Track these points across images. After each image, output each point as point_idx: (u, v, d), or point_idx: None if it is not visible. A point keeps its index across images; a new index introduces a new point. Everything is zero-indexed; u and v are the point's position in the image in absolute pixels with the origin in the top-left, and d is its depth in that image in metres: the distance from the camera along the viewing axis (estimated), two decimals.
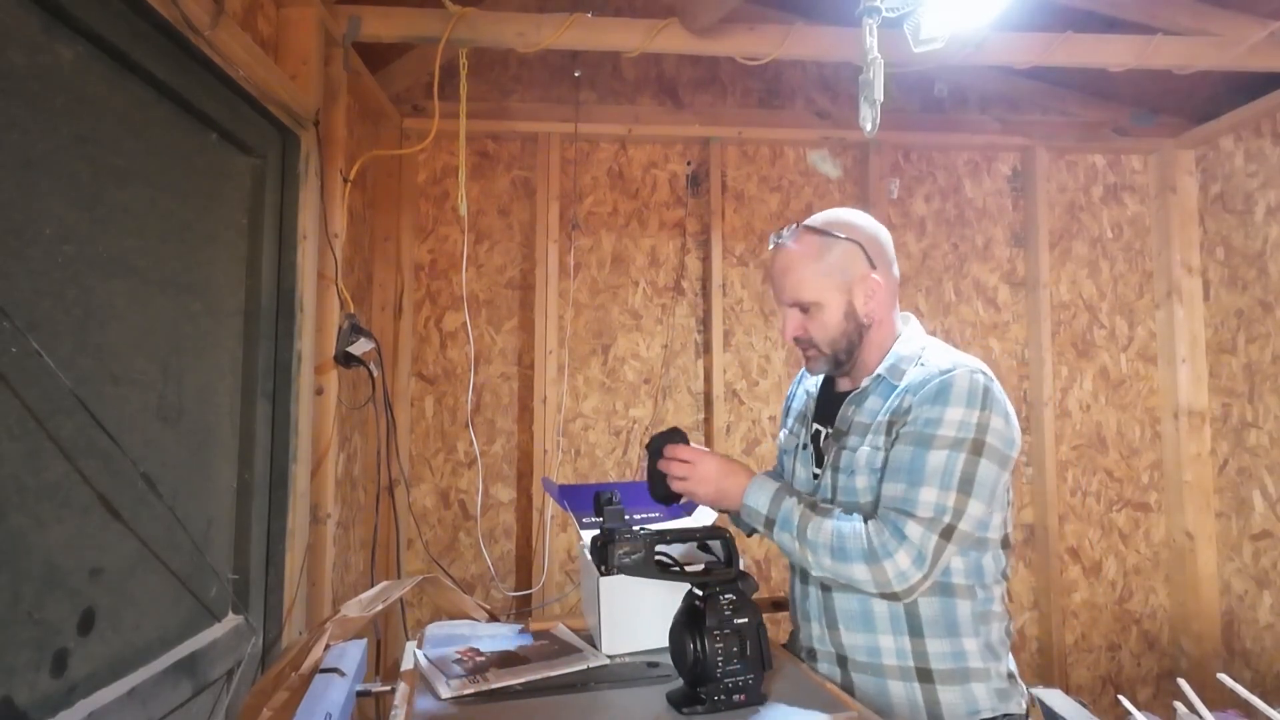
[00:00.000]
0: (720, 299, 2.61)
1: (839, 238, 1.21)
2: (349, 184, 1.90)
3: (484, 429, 2.54)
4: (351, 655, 1.24)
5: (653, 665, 1.17)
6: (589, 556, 1.26)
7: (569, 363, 2.57)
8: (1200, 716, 1.44)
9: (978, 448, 1.07)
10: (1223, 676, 1.58)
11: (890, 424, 1.13)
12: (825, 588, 1.19)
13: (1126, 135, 2.72)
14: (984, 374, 1.12)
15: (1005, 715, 1.13)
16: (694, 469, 1.17)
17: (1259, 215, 2.41)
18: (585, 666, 1.16)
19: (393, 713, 1.04)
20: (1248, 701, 1.41)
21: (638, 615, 1.21)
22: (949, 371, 1.11)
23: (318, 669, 1.17)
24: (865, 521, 1.09)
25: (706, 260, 2.62)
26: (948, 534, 1.05)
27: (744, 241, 2.67)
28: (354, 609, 1.35)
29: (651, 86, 2.67)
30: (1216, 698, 1.75)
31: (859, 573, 1.07)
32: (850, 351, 1.22)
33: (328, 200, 1.82)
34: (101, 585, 1.09)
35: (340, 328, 1.84)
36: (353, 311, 1.89)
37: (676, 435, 1.21)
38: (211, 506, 1.42)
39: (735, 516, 1.30)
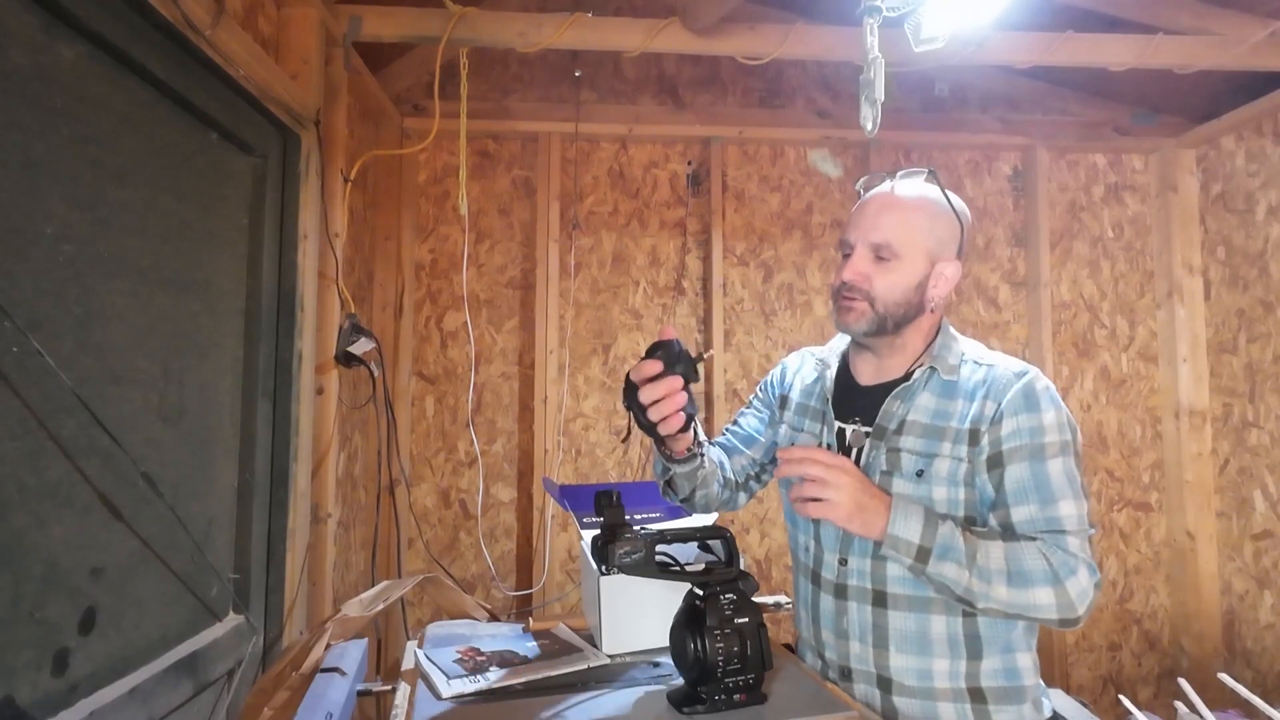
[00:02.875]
0: (721, 299, 2.61)
1: (953, 208, 1.12)
2: (350, 184, 1.90)
3: (484, 428, 2.54)
4: (352, 655, 1.24)
5: (653, 665, 1.17)
6: (590, 556, 1.26)
7: (570, 362, 2.57)
8: (1201, 716, 1.45)
9: (1075, 449, 1.05)
10: (1223, 676, 1.58)
11: (975, 432, 1.05)
12: (879, 604, 1.09)
13: (1127, 135, 2.71)
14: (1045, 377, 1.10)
15: None
16: (835, 474, 0.98)
17: (1260, 215, 2.40)
18: (586, 666, 1.16)
19: (393, 712, 1.04)
20: (1248, 701, 1.41)
21: (639, 615, 1.21)
22: (1024, 375, 1.07)
23: (318, 668, 1.17)
24: (1030, 539, 1.00)
25: (707, 260, 2.62)
26: (1092, 543, 1.02)
27: (745, 241, 2.67)
28: (354, 608, 1.35)
29: (652, 86, 2.67)
30: (1217, 697, 1.75)
31: (1042, 598, 0.96)
32: (899, 325, 1.11)
33: (328, 200, 1.82)
34: (102, 585, 1.09)
35: (341, 327, 1.84)
36: (353, 311, 1.89)
37: (674, 355, 1.01)
38: (212, 506, 1.42)
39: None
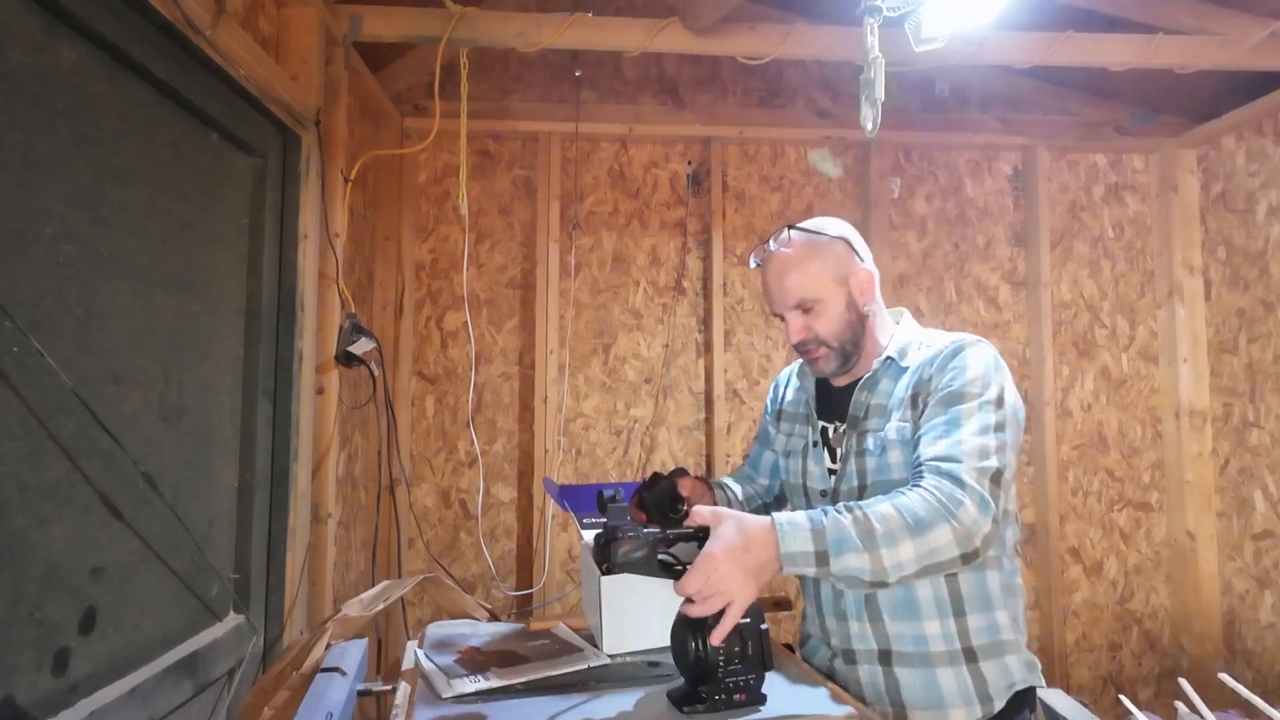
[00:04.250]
0: (721, 298, 2.61)
1: (826, 235, 1.23)
2: (350, 183, 1.90)
3: (485, 428, 2.54)
4: (352, 655, 1.23)
5: (653, 665, 1.17)
6: (590, 555, 1.26)
7: (570, 362, 2.57)
8: (1201, 716, 1.44)
9: (1001, 403, 1.10)
10: (1224, 676, 1.57)
11: (915, 397, 1.15)
12: None
13: (1128, 134, 2.71)
14: (990, 347, 1.17)
15: (1033, 687, 1.15)
16: (706, 579, 0.95)
17: (1260, 215, 2.40)
18: (586, 666, 1.16)
19: (393, 712, 1.04)
20: (1249, 701, 1.41)
21: (640, 615, 1.21)
22: (959, 342, 1.16)
23: (319, 668, 1.17)
24: (917, 487, 1.04)
25: (707, 260, 2.62)
26: (997, 479, 1.04)
27: (745, 241, 2.67)
28: (355, 608, 1.35)
29: (652, 86, 2.67)
30: (1218, 697, 1.74)
31: (942, 537, 0.99)
32: (856, 343, 1.23)
33: (329, 200, 1.82)
34: (103, 584, 1.09)
35: (341, 327, 1.84)
36: (354, 311, 1.89)
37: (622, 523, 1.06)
38: (213, 506, 1.42)
39: None
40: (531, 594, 2.45)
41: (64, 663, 1.01)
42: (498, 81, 2.61)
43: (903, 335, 1.25)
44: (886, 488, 1.11)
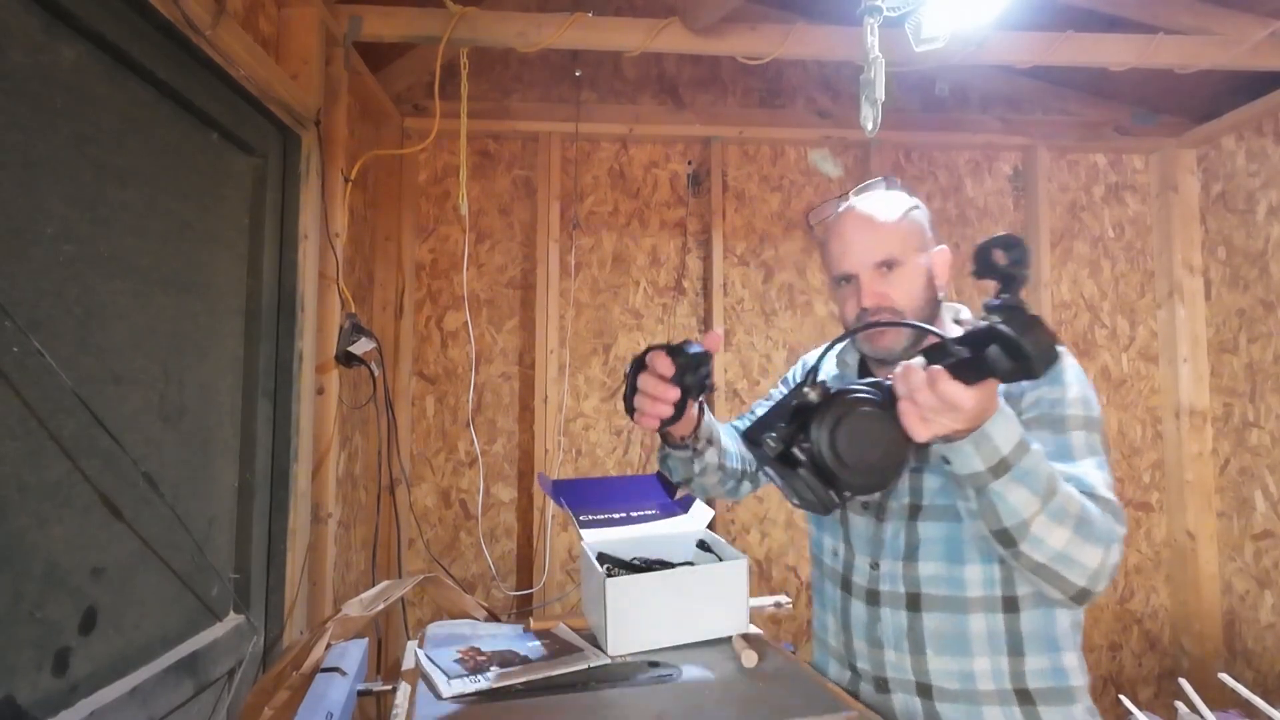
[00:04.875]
0: (721, 298, 2.61)
1: (913, 201, 1.11)
2: (350, 183, 1.90)
3: (485, 428, 2.54)
4: (353, 654, 1.23)
5: (654, 665, 1.17)
6: (590, 556, 1.26)
7: (570, 362, 2.57)
8: (1201, 716, 1.44)
9: (1099, 425, 1.00)
10: (1224, 676, 1.58)
11: None
12: (913, 607, 1.04)
13: (1128, 134, 2.71)
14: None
15: None
16: (976, 400, 0.75)
17: (1260, 215, 2.40)
18: (586, 666, 1.16)
19: (393, 712, 1.04)
20: (1249, 701, 1.41)
21: (643, 615, 1.21)
22: None
23: (319, 668, 1.17)
24: (1093, 497, 0.92)
25: (707, 260, 2.62)
26: (1120, 515, 0.93)
27: (745, 241, 2.67)
28: (355, 608, 1.35)
29: (652, 86, 2.67)
30: (1218, 697, 1.75)
31: (1090, 558, 0.87)
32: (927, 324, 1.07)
33: (329, 200, 1.82)
34: (103, 584, 1.09)
35: (341, 327, 1.85)
36: (354, 311, 1.89)
37: (690, 365, 0.94)
38: (213, 506, 1.42)
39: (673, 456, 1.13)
40: (531, 594, 2.45)
41: (64, 662, 1.01)
42: (498, 81, 2.61)
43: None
44: (946, 514, 1.00)
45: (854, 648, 1.11)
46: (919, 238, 1.09)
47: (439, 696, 1.04)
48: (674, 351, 0.93)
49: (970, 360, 0.72)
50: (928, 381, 0.74)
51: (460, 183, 2.02)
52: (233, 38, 1.34)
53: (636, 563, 1.30)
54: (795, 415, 0.77)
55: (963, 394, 0.73)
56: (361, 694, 1.20)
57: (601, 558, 1.29)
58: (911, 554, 1.05)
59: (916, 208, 1.11)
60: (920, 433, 0.75)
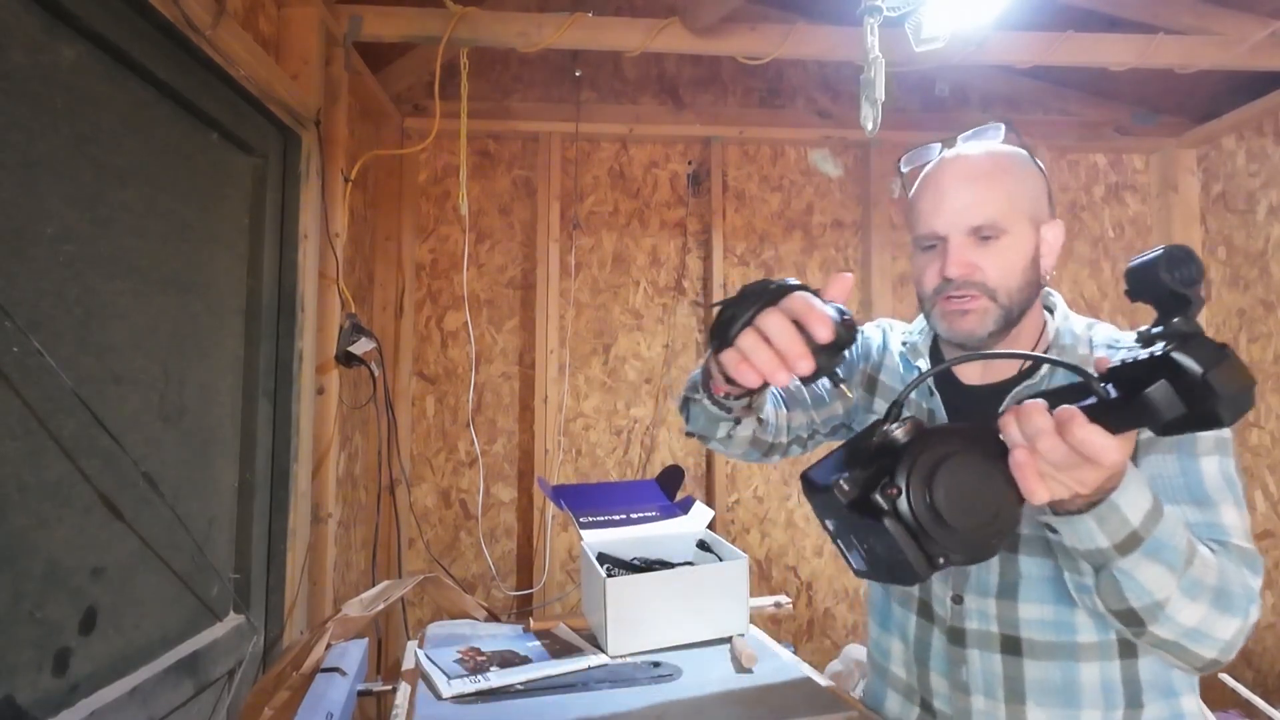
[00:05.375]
0: (721, 298, 2.60)
1: (1034, 163, 0.92)
2: (350, 184, 1.90)
3: (485, 428, 2.54)
4: (353, 655, 1.24)
5: (655, 665, 1.17)
6: (590, 556, 1.26)
7: (570, 362, 2.57)
8: (1202, 716, 1.44)
9: (1230, 446, 0.84)
10: (1224, 676, 1.58)
11: None
12: (1010, 650, 0.88)
13: (1128, 134, 2.71)
14: None
15: None
16: (1119, 456, 0.57)
17: (1261, 215, 2.40)
18: (586, 666, 1.16)
19: (394, 712, 1.04)
20: (1249, 701, 1.41)
21: (644, 615, 1.21)
22: None
23: (319, 668, 1.17)
24: (1224, 550, 0.78)
25: (707, 260, 2.62)
26: (1257, 565, 0.78)
27: (745, 241, 2.67)
28: (355, 608, 1.35)
29: (652, 86, 2.67)
30: (1218, 697, 1.75)
31: (1227, 629, 0.73)
32: (1021, 313, 0.90)
33: (329, 200, 1.82)
34: (103, 584, 1.09)
35: (341, 327, 1.85)
36: (354, 311, 1.89)
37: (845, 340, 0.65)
38: (213, 506, 1.42)
39: None
40: (531, 594, 2.45)
41: (64, 663, 1.01)
42: (498, 81, 2.61)
43: (1066, 324, 0.94)
44: (1053, 547, 0.83)
45: (930, 684, 0.94)
46: (1031, 205, 0.90)
47: (439, 697, 1.04)
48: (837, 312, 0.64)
49: (1118, 401, 0.55)
50: (1057, 426, 0.57)
51: (460, 183, 2.02)
52: (233, 38, 1.34)
53: (637, 563, 1.31)
54: (876, 456, 0.60)
55: (1106, 445, 0.55)
56: (361, 694, 1.20)
57: (602, 558, 1.29)
58: (1008, 591, 0.87)
59: (1034, 168, 0.92)
60: (1038, 493, 0.58)
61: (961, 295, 0.89)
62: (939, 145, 0.96)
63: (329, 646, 1.24)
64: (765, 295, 0.64)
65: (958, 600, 0.91)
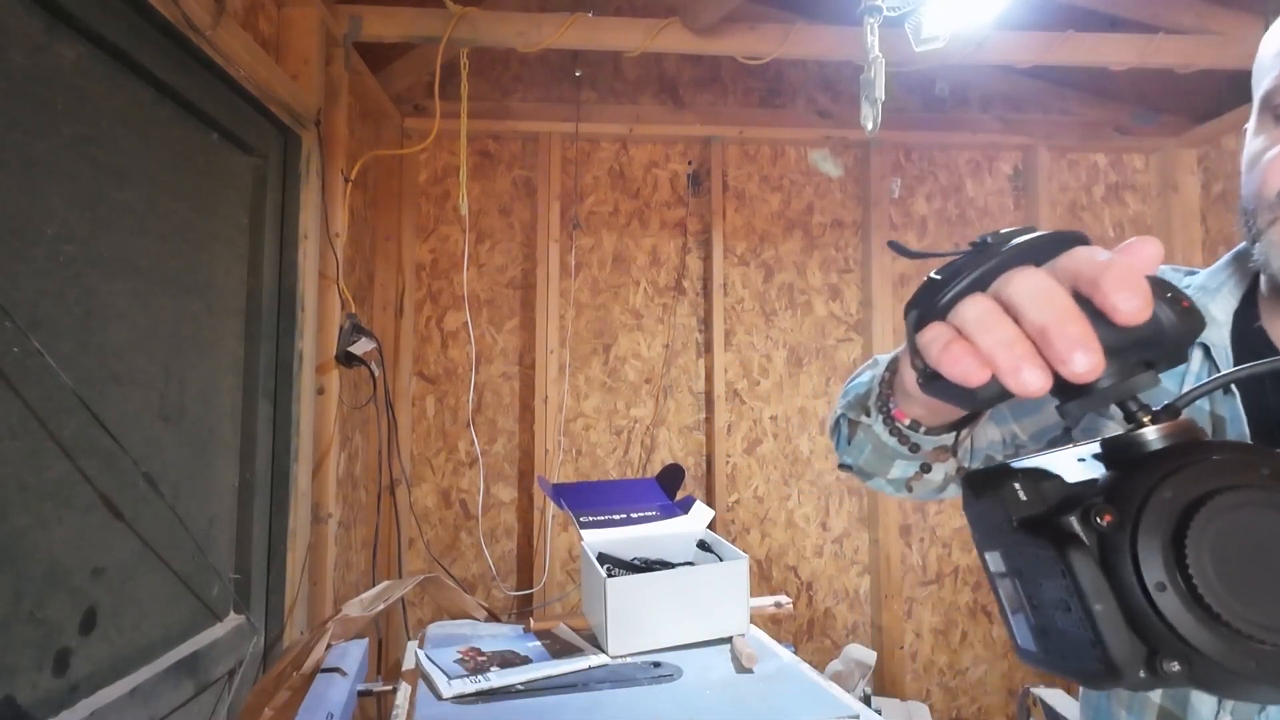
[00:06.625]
0: (721, 298, 2.61)
1: None
2: (350, 184, 1.90)
3: (485, 428, 2.54)
4: (353, 655, 1.24)
5: (654, 665, 1.17)
6: (590, 556, 1.26)
7: (570, 362, 2.57)
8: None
9: None
10: None
11: None
12: None
13: (1128, 134, 2.71)
14: None
15: None
16: None
17: None
18: (586, 666, 1.16)
19: (394, 712, 1.04)
20: None
21: (644, 615, 1.21)
22: None
23: (319, 668, 1.17)
24: None
25: (708, 260, 2.62)
26: None
27: (745, 241, 2.67)
28: (355, 608, 1.35)
29: (652, 86, 2.67)
30: None
31: None
32: None
33: (329, 200, 1.82)
34: (103, 584, 1.09)
35: (341, 327, 1.85)
36: (354, 311, 1.89)
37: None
38: (213, 506, 1.42)
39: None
40: (532, 594, 2.45)
41: (64, 663, 1.01)
42: (498, 81, 2.61)
43: None
44: None
45: None
46: None
47: (439, 697, 1.04)
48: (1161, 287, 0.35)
49: None
50: None
51: (460, 183, 2.02)
52: (233, 38, 1.34)
53: (637, 563, 1.31)
54: (1115, 464, 0.34)
55: None
56: (362, 694, 1.20)
57: (602, 558, 1.29)
58: None
59: None
60: None
61: None
62: None
63: (329, 647, 1.24)
64: (1024, 246, 0.39)
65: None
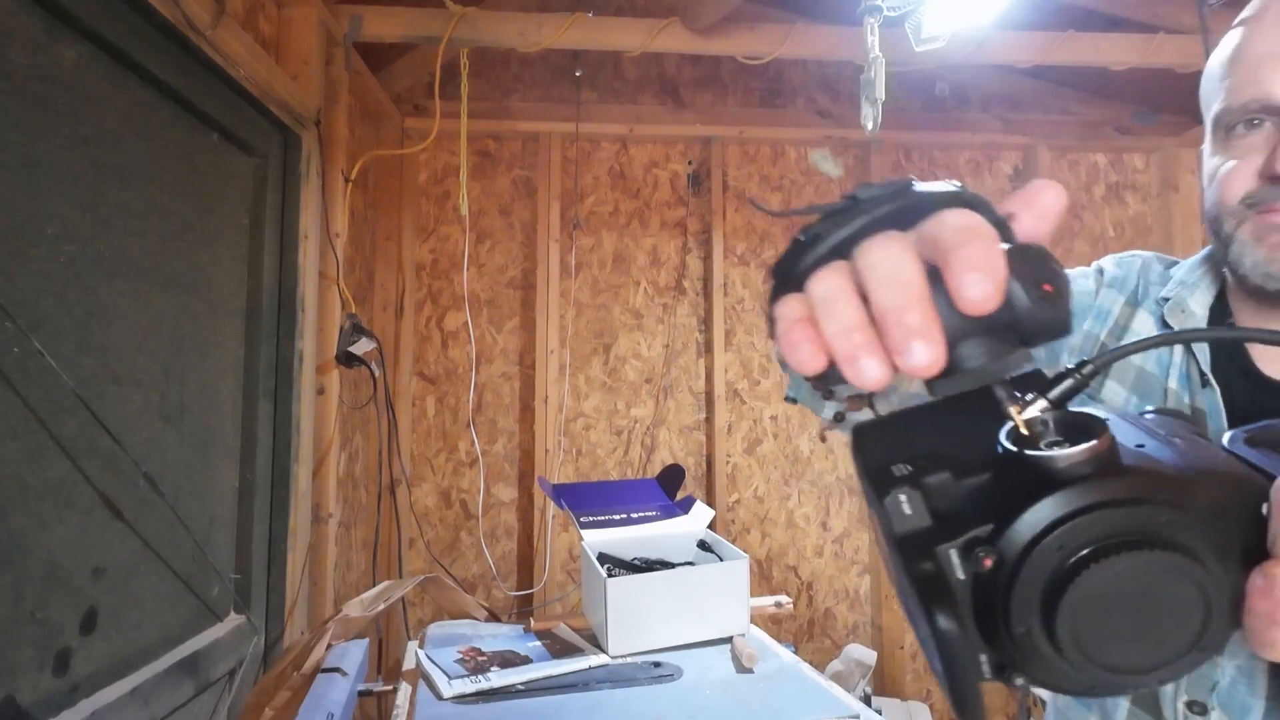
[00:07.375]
0: (721, 298, 2.61)
1: None
2: (350, 184, 1.90)
3: (485, 428, 2.54)
4: (353, 655, 1.24)
5: (655, 665, 1.17)
6: (591, 556, 1.26)
7: (570, 362, 2.57)
8: None
9: None
10: None
11: None
12: None
13: (1128, 134, 2.71)
14: None
15: None
16: None
17: None
18: (587, 666, 1.16)
19: (394, 712, 1.04)
20: None
21: (644, 615, 1.21)
22: None
23: (319, 668, 1.18)
24: None
25: (708, 260, 2.62)
26: None
27: (745, 241, 2.67)
28: (356, 608, 1.35)
29: (653, 86, 2.67)
30: None
31: None
32: None
33: (329, 200, 1.82)
34: (104, 585, 1.09)
35: (342, 327, 1.85)
36: (354, 311, 1.89)
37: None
38: (213, 506, 1.42)
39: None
40: (532, 594, 2.45)
41: (65, 663, 1.01)
42: (498, 81, 2.61)
43: None
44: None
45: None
46: None
47: (440, 697, 1.05)
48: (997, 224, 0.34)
49: None
50: None
51: (460, 183, 2.02)
52: (233, 38, 1.34)
53: (637, 563, 1.31)
54: (1009, 479, 0.30)
55: None
56: (362, 694, 1.20)
57: (602, 558, 1.30)
58: None
59: None
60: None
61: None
62: None
63: (329, 647, 1.24)
64: (893, 201, 0.34)
65: (1199, 711, 0.59)
